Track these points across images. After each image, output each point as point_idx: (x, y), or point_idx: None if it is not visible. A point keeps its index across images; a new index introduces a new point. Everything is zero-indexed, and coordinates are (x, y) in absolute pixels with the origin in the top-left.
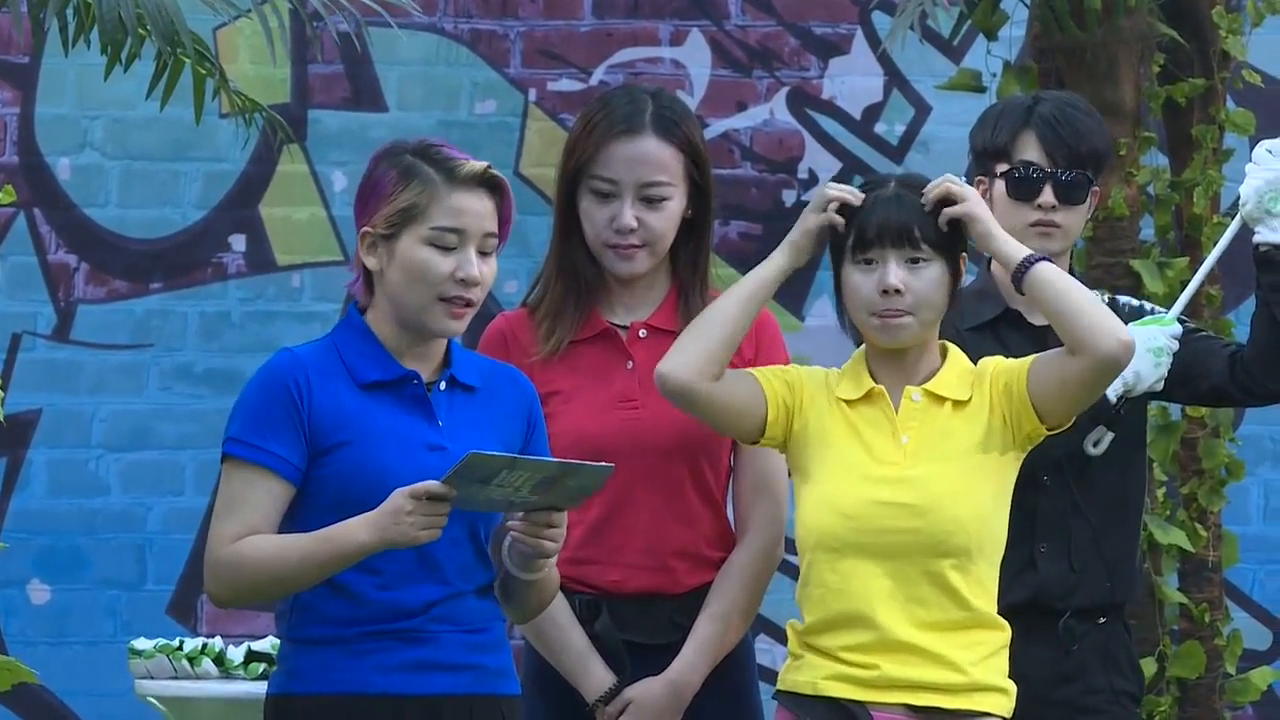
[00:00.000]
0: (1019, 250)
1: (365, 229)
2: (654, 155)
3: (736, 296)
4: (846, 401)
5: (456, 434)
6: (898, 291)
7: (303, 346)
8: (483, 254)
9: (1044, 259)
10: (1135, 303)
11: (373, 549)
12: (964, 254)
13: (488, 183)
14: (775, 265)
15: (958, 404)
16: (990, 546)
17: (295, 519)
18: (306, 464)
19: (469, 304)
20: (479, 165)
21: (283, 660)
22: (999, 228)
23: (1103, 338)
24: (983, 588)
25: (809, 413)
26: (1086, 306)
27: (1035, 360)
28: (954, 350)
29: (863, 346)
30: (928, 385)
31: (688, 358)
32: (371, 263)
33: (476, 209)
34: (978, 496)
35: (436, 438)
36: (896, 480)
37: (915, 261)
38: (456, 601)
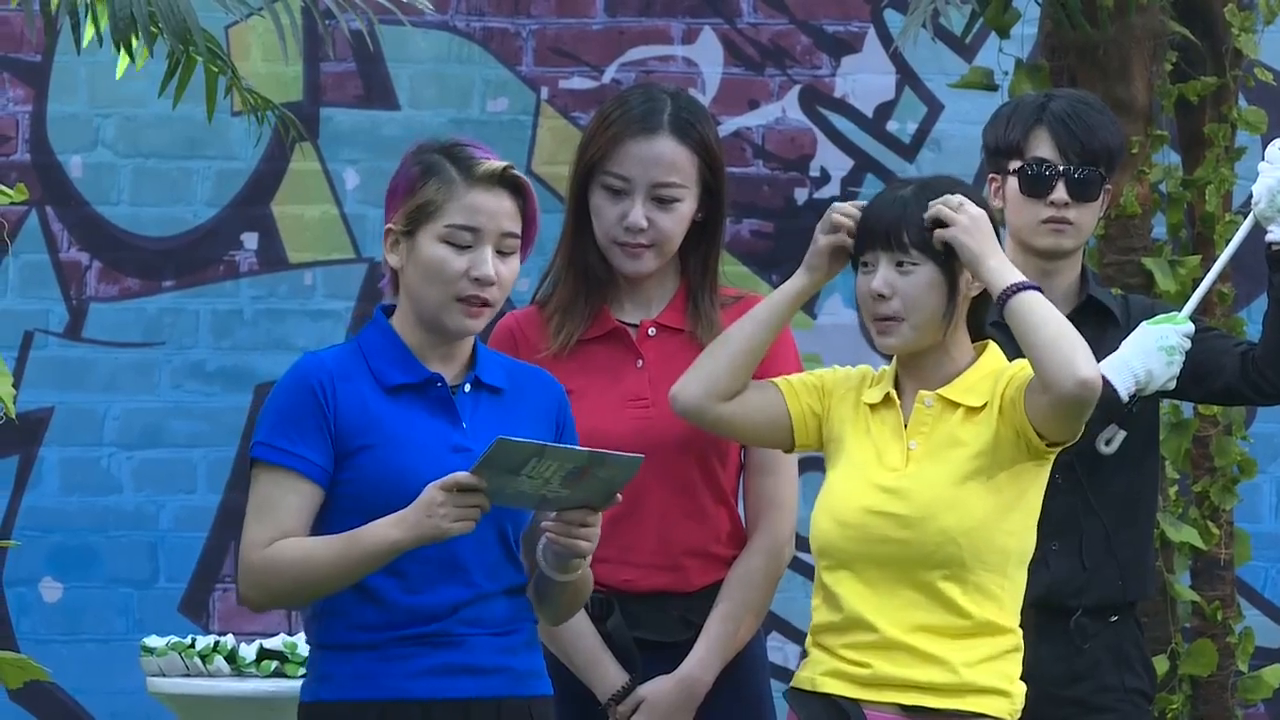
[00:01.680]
0: (1005, 278)
1: (388, 226)
2: (668, 156)
3: (753, 318)
4: (870, 406)
5: (482, 436)
6: (882, 296)
7: (328, 350)
8: (502, 254)
9: (1030, 288)
10: (1147, 301)
11: (406, 546)
12: None
13: (508, 182)
14: (792, 287)
15: (971, 410)
16: (996, 556)
17: (323, 523)
18: (333, 467)
19: (485, 303)
20: (497, 164)
21: (312, 666)
22: (990, 253)
23: (1062, 379)
24: (986, 595)
25: (834, 418)
26: (1053, 343)
27: (1030, 381)
28: (991, 349)
29: None
30: (943, 390)
31: (698, 379)
32: (394, 260)
33: (493, 208)
34: (973, 507)
35: (461, 439)
36: (893, 489)
37: (906, 264)
38: (484, 603)
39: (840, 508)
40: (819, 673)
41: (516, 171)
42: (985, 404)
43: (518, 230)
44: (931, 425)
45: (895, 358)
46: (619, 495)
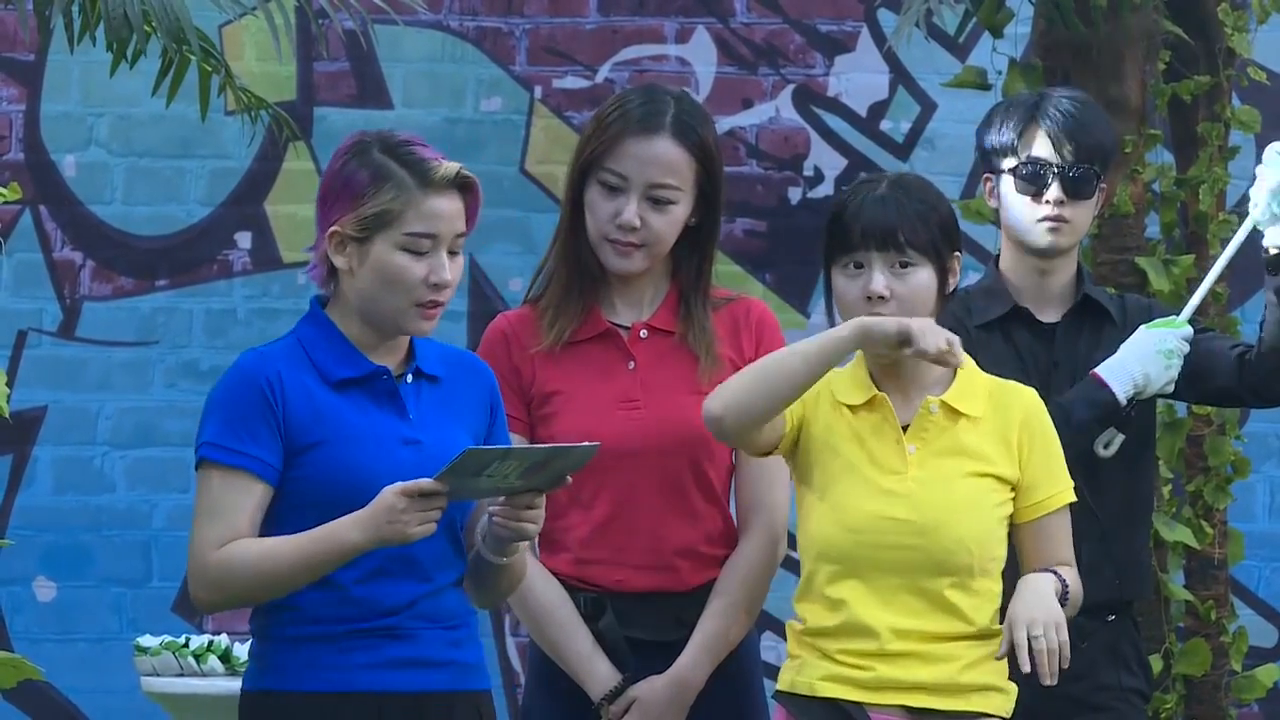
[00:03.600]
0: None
1: (334, 229)
2: (667, 157)
3: (803, 356)
4: (849, 406)
5: (428, 426)
6: (881, 299)
7: (268, 345)
8: (451, 254)
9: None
10: (1144, 301)
11: (365, 548)
12: (957, 255)
13: (459, 184)
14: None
15: (970, 419)
16: (993, 564)
17: (274, 520)
18: (283, 464)
19: (439, 305)
20: (452, 168)
21: (260, 657)
22: (1039, 604)
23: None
24: (983, 599)
25: (813, 421)
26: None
27: (1037, 533)
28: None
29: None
30: (945, 397)
31: (745, 412)
32: (340, 262)
33: (449, 212)
34: (983, 515)
35: (410, 432)
36: (901, 495)
37: (902, 266)
38: (436, 598)
39: (847, 515)
40: (817, 677)
41: (468, 173)
42: (983, 416)
43: (464, 228)
44: (933, 431)
45: (864, 356)
46: (569, 479)
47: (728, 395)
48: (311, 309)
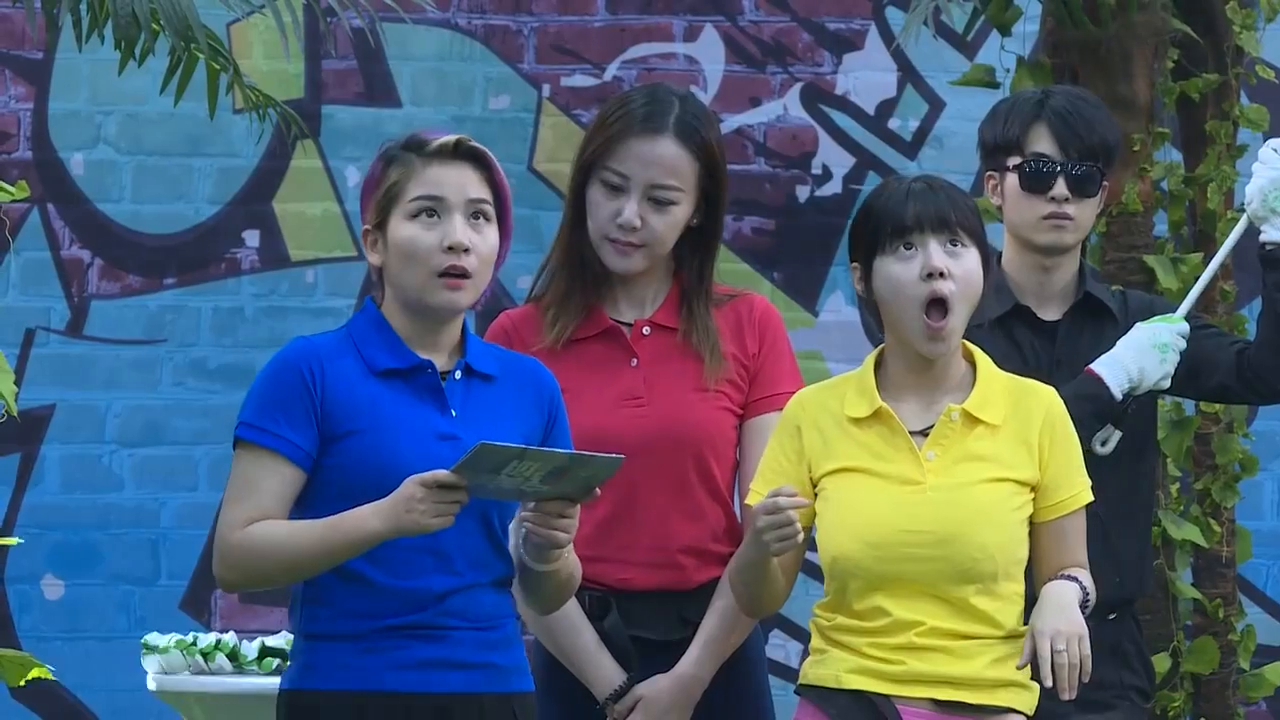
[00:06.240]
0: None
1: (365, 227)
2: (669, 158)
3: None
4: (855, 420)
5: (471, 423)
6: (942, 274)
7: (318, 335)
8: (476, 223)
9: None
10: (1146, 297)
11: (385, 536)
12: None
13: (466, 154)
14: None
15: (990, 426)
16: (1017, 567)
17: (306, 506)
18: (318, 451)
19: (465, 274)
20: (450, 139)
21: (296, 655)
22: (1063, 608)
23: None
24: (1008, 602)
25: (817, 452)
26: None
27: (1054, 534)
28: (979, 355)
29: (872, 354)
30: (966, 405)
31: (770, 599)
32: (375, 259)
33: (453, 178)
34: (1004, 520)
35: (449, 427)
36: (920, 506)
37: (953, 245)
38: (469, 594)
39: (868, 530)
40: (844, 670)
41: (474, 143)
42: (1004, 423)
43: (487, 196)
44: (952, 438)
45: (876, 361)
46: (598, 490)
47: (744, 602)
48: (366, 305)
